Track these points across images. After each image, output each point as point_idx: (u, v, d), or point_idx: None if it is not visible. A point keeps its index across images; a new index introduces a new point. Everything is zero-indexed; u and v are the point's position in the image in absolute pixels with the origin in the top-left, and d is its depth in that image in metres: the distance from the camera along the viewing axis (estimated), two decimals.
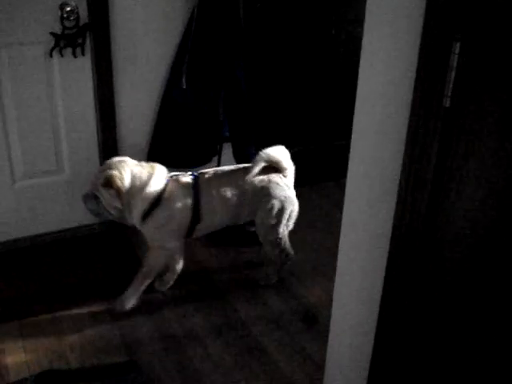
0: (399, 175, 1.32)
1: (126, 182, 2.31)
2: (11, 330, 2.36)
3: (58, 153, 2.82)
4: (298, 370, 2.20)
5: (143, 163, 2.42)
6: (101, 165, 2.87)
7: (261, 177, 2.45)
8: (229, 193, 2.43)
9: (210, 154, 2.97)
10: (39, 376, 2.12)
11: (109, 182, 2.28)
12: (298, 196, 2.54)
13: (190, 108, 2.79)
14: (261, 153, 2.41)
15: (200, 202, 2.40)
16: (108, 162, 2.39)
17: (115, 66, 2.75)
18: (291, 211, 2.52)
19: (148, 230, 2.44)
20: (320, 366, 2.05)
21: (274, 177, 2.47)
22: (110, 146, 2.89)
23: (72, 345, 2.30)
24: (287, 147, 2.51)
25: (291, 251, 2.62)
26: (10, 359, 2.22)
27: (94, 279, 2.69)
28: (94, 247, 2.93)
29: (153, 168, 2.41)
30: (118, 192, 2.29)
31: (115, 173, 2.30)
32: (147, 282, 2.46)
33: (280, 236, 2.53)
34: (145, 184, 2.34)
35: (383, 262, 1.43)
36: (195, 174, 2.46)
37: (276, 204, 2.47)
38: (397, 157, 1.32)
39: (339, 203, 1.70)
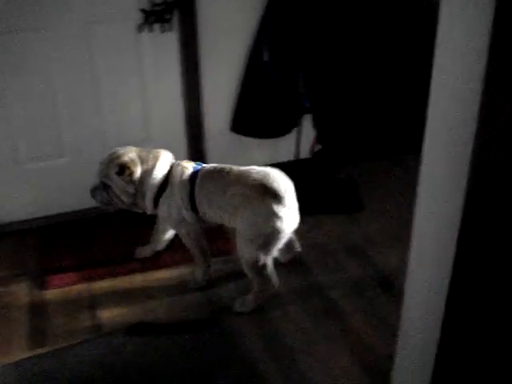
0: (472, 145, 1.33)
1: (138, 167, 2.36)
2: (107, 288, 2.57)
3: (145, 125, 2.99)
4: (373, 334, 2.25)
5: (149, 149, 2.45)
6: (186, 135, 3.03)
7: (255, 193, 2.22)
8: (214, 193, 2.32)
9: (291, 126, 3.03)
10: (131, 328, 2.31)
11: (123, 169, 2.33)
12: (377, 167, 2.55)
13: (272, 80, 2.86)
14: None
15: (194, 194, 2.35)
16: (113, 151, 2.41)
17: (200, 40, 2.87)
18: (277, 241, 2.25)
19: (161, 215, 2.48)
20: (395, 331, 2.10)
21: (268, 199, 2.20)
22: (195, 118, 3.02)
23: (161, 302, 2.47)
24: (366, 118, 2.53)
25: (274, 280, 2.36)
26: (105, 314, 2.43)
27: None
28: None
29: (158, 153, 2.42)
30: (131, 177, 2.34)
31: (128, 159, 2.35)
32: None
33: (259, 261, 2.26)
34: (152, 168, 2.37)
35: (456, 231, 1.45)
36: (200, 165, 2.43)
37: (261, 227, 2.22)
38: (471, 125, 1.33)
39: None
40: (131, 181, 2.35)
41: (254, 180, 2.23)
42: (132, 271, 2.67)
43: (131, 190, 2.37)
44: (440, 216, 1.55)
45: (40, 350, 2.25)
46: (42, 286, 2.58)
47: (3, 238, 2.88)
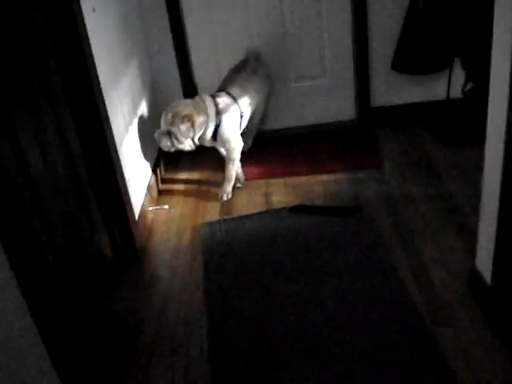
0: None
1: (197, 116, 3.05)
2: (279, 182, 3.36)
3: (321, 61, 3.69)
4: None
5: (195, 98, 3.18)
6: (354, 72, 3.66)
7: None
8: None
9: (442, 64, 3.50)
10: (292, 207, 3.05)
11: (187, 118, 3.01)
12: None
13: (425, 24, 3.36)
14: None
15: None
16: (174, 104, 3.09)
17: None
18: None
19: (220, 144, 3.25)
20: None
21: None
22: (362, 57, 3.64)
23: (318, 193, 3.18)
24: None
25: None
26: (275, 198, 3.22)
27: (339, 157, 3.53)
28: (343, 138, 3.76)
29: (205, 99, 3.15)
30: (193, 125, 3.03)
31: (189, 112, 3.03)
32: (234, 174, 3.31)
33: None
34: (207, 113, 3.10)
35: None
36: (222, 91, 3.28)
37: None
38: None
39: None
40: (192, 127, 3.04)
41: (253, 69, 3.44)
42: (299, 174, 3.41)
43: (191, 134, 3.07)
44: None
45: (227, 217, 3.10)
46: None
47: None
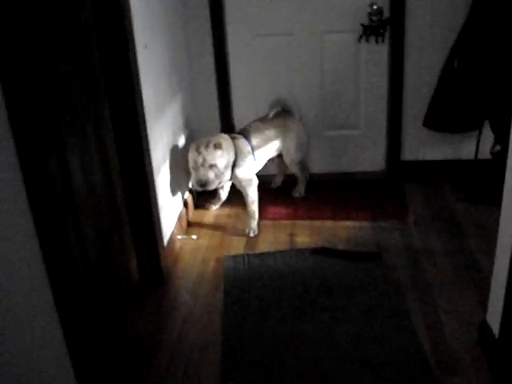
0: None
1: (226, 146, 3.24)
2: (304, 224, 3.48)
3: (356, 112, 3.85)
4: None
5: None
6: (387, 127, 3.79)
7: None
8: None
9: (473, 125, 3.61)
10: (315, 249, 3.16)
11: (218, 145, 3.15)
12: None
13: (459, 85, 3.49)
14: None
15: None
16: (205, 140, 3.22)
17: (406, 51, 3.64)
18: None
19: (241, 177, 3.38)
20: None
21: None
22: (396, 113, 3.79)
23: (341, 238, 3.29)
24: None
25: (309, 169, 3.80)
26: (299, 239, 3.33)
27: (365, 206, 3.64)
28: (371, 188, 3.88)
29: (223, 137, 3.30)
30: (228, 156, 3.21)
31: (220, 140, 3.21)
32: (257, 211, 3.45)
33: (302, 159, 3.69)
34: (230, 146, 3.27)
35: None
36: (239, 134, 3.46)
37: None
38: None
39: None
40: (225, 156, 3.21)
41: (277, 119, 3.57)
42: (324, 218, 3.53)
43: (223, 162, 3.21)
44: None
45: (251, 252, 3.22)
46: (260, 216, 3.57)
47: None
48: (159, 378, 2.34)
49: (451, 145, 3.84)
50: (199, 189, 3.24)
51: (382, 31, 3.58)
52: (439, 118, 3.67)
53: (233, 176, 3.34)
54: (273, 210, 3.64)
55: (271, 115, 3.57)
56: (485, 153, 3.57)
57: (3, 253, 1.52)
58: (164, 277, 2.97)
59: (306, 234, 3.38)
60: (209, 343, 2.52)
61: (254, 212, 3.42)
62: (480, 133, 3.58)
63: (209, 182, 3.17)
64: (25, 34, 1.74)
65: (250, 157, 3.39)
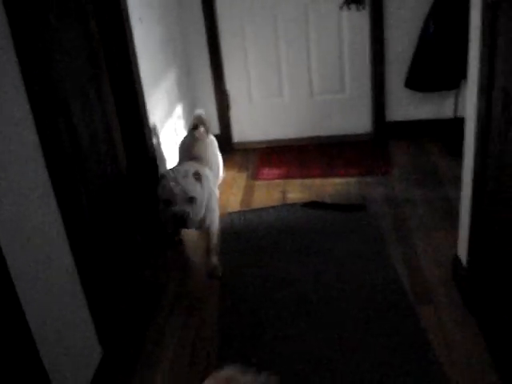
0: None
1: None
2: (295, 183, 3.73)
3: (341, 77, 4.09)
4: None
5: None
6: (371, 89, 4.03)
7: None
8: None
9: (450, 85, 3.83)
10: (305, 203, 3.42)
11: (197, 176, 2.67)
12: None
13: (435, 48, 3.72)
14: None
15: None
16: (181, 169, 2.71)
17: (386, 16, 3.86)
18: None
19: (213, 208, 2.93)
20: None
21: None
22: (379, 76, 4.02)
23: (329, 193, 3.54)
24: None
25: None
26: (291, 195, 3.59)
27: (352, 164, 3.89)
28: (358, 148, 4.12)
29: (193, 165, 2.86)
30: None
31: (198, 169, 2.73)
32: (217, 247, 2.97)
33: None
34: (206, 178, 2.80)
35: None
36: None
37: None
38: None
39: None
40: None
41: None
42: (314, 176, 3.78)
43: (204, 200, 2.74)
44: None
45: (246, 208, 3.48)
46: (254, 177, 3.83)
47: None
48: (165, 317, 2.61)
49: (433, 105, 4.06)
50: (171, 228, 2.87)
51: None
52: (419, 79, 3.89)
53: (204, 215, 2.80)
54: (266, 172, 3.89)
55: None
56: (463, 111, 3.78)
57: (21, 191, 1.77)
58: None
59: (297, 191, 3.64)
60: (209, 288, 2.79)
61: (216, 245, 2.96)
62: (458, 92, 3.81)
63: (189, 217, 2.61)
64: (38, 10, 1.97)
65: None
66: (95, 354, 2.20)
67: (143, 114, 2.95)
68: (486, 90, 2.05)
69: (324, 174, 3.80)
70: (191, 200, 2.59)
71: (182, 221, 2.58)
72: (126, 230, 2.88)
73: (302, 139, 4.22)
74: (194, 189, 2.61)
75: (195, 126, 3.32)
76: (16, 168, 1.71)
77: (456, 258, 2.60)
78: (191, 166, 2.75)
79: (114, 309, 2.50)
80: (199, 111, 3.43)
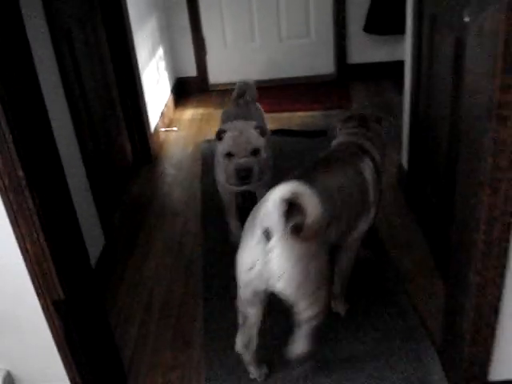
0: None
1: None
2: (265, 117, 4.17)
3: (307, 23, 4.53)
4: None
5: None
6: (333, 34, 4.46)
7: None
8: None
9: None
10: (274, 130, 3.87)
11: (262, 128, 2.43)
12: None
13: None
14: None
15: None
16: (237, 125, 2.42)
17: None
18: None
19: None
20: None
21: None
22: (340, 18, 4.46)
23: (296, 124, 4.01)
24: None
25: None
26: None
27: (317, 101, 4.35)
28: (322, 88, 4.59)
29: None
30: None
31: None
32: None
33: None
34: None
35: None
36: None
37: None
38: None
39: None
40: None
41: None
42: (283, 111, 4.25)
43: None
44: None
45: None
46: None
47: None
48: (154, 219, 3.08)
49: (390, 48, 4.54)
50: (237, 182, 2.37)
51: None
52: (376, 23, 4.35)
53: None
54: None
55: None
56: None
57: None
58: (152, 157, 3.68)
59: (268, 122, 4.09)
60: (190, 198, 3.25)
61: None
62: None
63: (253, 171, 2.36)
64: None
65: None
66: (100, 241, 2.66)
67: (131, 48, 3.37)
68: (417, 16, 2.53)
69: (291, 109, 4.26)
70: (255, 152, 2.37)
71: (246, 174, 2.33)
72: (119, 145, 3.33)
73: (272, 80, 4.67)
74: (258, 141, 2.40)
75: (241, 95, 3.14)
76: None
77: (400, 166, 3.11)
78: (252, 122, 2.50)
79: (114, 209, 2.96)
80: (244, 80, 3.17)
